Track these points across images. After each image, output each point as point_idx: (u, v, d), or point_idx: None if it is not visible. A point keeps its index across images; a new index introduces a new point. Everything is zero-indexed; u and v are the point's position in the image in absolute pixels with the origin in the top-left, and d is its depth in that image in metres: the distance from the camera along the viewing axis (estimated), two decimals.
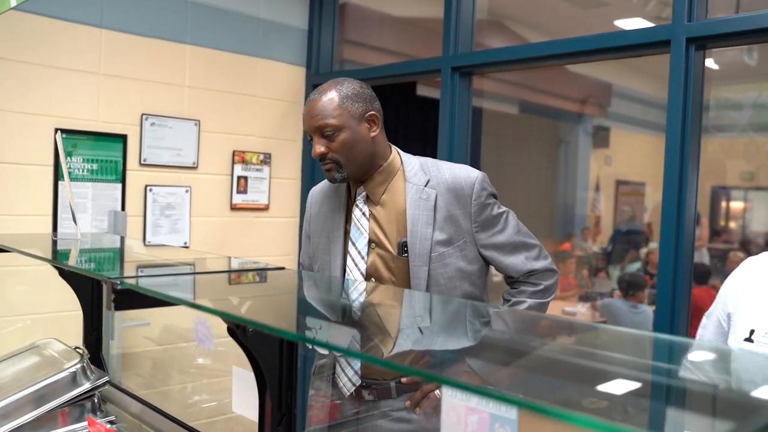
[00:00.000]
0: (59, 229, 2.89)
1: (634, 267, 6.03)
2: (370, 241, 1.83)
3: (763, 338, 1.31)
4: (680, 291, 2.38)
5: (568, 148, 7.11)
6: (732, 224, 7.98)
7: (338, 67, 3.81)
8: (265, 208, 3.62)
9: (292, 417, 1.54)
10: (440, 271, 1.78)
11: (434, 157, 3.05)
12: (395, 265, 1.80)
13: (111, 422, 1.83)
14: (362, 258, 1.82)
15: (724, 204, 7.98)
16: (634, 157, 7.60)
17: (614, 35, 2.57)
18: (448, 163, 1.89)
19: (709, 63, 5.42)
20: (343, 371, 1.87)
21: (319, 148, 1.76)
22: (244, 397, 1.63)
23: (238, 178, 3.51)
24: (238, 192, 3.51)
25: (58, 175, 2.93)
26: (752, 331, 1.34)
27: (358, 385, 1.86)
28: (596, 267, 6.50)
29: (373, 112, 1.80)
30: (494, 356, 1.11)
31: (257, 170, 3.58)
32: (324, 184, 2.01)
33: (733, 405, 0.68)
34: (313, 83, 3.71)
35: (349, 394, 1.88)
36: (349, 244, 1.86)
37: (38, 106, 2.87)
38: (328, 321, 1.35)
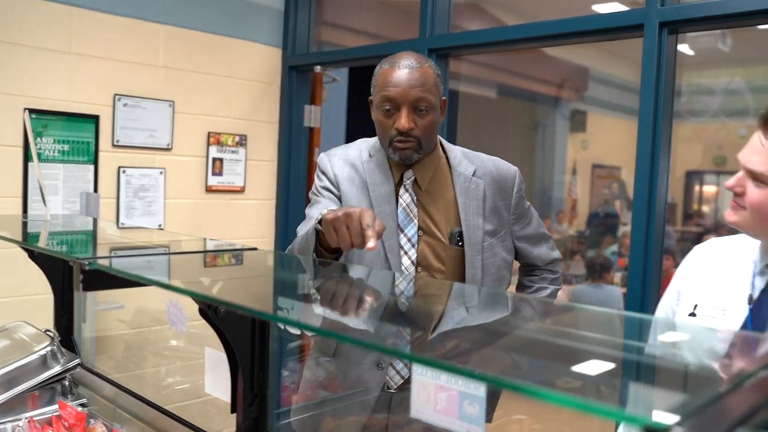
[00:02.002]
0: (29, 211, 2.85)
1: (610, 250, 6.11)
2: (419, 228, 1.76)
3: (706, 312, 1.41)
4: (651, 272, 2.42)
5: (545, 131, 7.16)
6: (705, 208, 8.11)
7: (315, 49, 3.79)
8: (241, 190, 3.60)
9: (265, 397, 1.55)
10: (491, 260, 1.78)
11: None
12: (446, 254, 1.76)
13: (83, 405, 1.82)
14: (412, 245, 1.76)
15: (697, 188, 8.10)
16: (610, 141, 7.67)
17: (588, 18, 2.59)
18: (484, 154, 1.88)
19: (684, 48, 5.47)
20: (392, 364, 1.78)
21: (410, 122, 1.65)
22: (216, 379, 1.62)
23: (214, 159, 3.48)
24: (214, 174, 3.49)
25: (27, 156, 2.88)
26: (695, 306, 1.43)
27: (406, 378, 1.77)
28: (572, 250, 6.58)
29: (445, 98, 1.77)
30: (469, 335, 1.12)
31: (233, 152, 3.55)
32: (344, 152, 1.86)
33: (680, 376, 0.70)
34: (289, 64, 3.68)
35: (396, 387, 1.79)
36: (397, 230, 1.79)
37: (7, 86, 2.81)
38: (299, 301, 1.35)
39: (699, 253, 1.54)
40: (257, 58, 3.63)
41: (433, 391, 1.29)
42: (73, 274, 2.11)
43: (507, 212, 1.82)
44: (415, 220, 1.75)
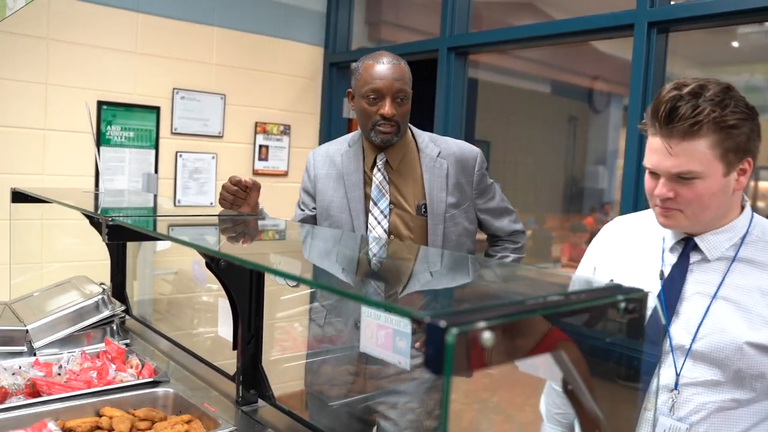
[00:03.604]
0: (100, 186, 3.33)
1: None
2: (390, 203, 2.04)
3: None
4: None
5: (599, 124, 7.22)
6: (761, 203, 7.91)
7: (375, 46, 4.12)
8: (285, 174, 3.99)
9: (260, 337, 1.88)
10: (452, 229, 2.05)
11: (431, 129, 3.35)
12: (414, 224, 2.04)
13: (127, 344, 2.20)
14: (384, 217, 2.03)
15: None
16: None
17: (582, 20, 2.78)
18: (450, 138, 2.17)
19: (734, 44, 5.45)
20: None
21: (392, 109, 1.93)
22: (226, 323, 1.96)
23: (260, 146, 3.88)
24: (260, 159, 3.89)
25: (99, 142, 3.35)
26: (611, 280, 1.48)
27: None
28: None
29: (411, 90, 2.05)
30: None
31: (277, 140, 3.94)
32: (327, 149, 2.18)
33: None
34: (330, 61, 4.03)
35: None
36: (371, 204, 2.05)
37: (81, 81, 3.29)
38: (287, 257, 1.65)
39: (610, 230, 1.64)
40: (300, 56, 4.00)
41: (375, 330, 1.59)
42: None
43: (470, 188, 2.08)
44: (387, 195, 2.04)
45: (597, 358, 0.96)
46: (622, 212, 2.65)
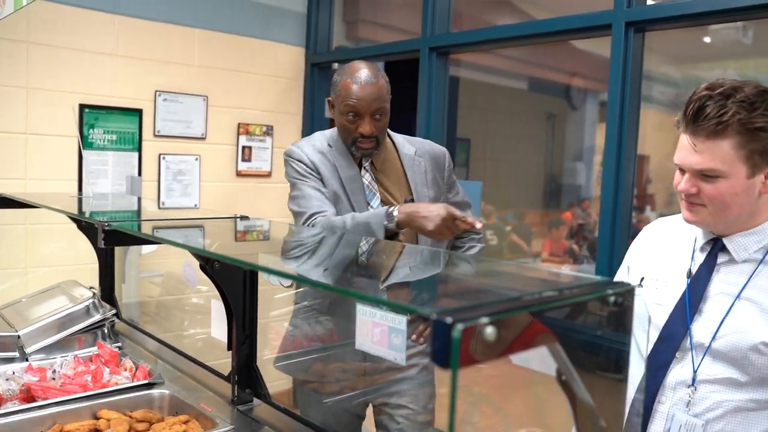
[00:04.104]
0: (84, 190, 3.32)
1: None
2: (381, 201, 2.12)
3: (650, 283, 1.55)
4: (617, 247, 2.68)
5: (576, 120, 7.32)
6: None
7: (353, 44, 4.15)
8: (268, 174, 4.01)
9: (254, 337, 1.91)
10: None
11: (413, 128, 3.40)
12: None
13: (119, 347, 2.22)
14: None
15: None
16: (640, 131, 7.71)
17: (561, 19, 2.84)
18: (419, 138, 2.30)
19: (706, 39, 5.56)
20: None
21: (371, 128, 2.01)
22: (219, 324, 1.99)
23: (243, 147, 3.89)
24: (243, 160, 3.90)
25: (81, 145, 3.35)
26: (642, 279, 1.57)
27: None
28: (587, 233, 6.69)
29: (391, 96, 2.10)
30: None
31: (260, 141, 3.96)
32: (310, 142, 2.16)
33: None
34: (311, 62, 4.05)
35: None
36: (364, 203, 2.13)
37: (63, 84, 3.27)
38: (278, 257, 1.68)
39: (648, 231, 1.67)
40: (282, 57, 4.02)
41: (371, 327, 1.63)
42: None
43: (442, 182, 2.22)
44: (378, 194, 2.13)
45: (587, 349, 1.01)
46: (602, 208, 2.72)
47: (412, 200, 2.11)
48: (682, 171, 1.39)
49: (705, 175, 1.34)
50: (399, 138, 2.22)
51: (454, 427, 0.74)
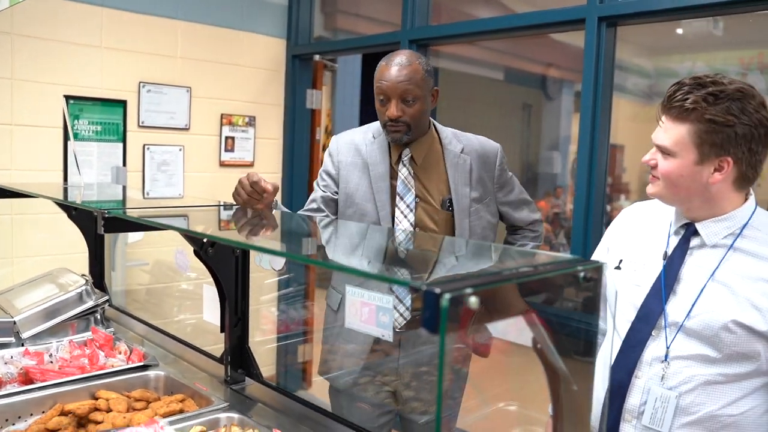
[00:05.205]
0: (69, 180, 3.36)
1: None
2: (416, 197, 2.08)
3: (628, 265, 1.63)
4: (591, 234, 2.80)
5: (551, 110, 7.46)
6: None
7: (331, 36, 4.22)
8: (251, 164, 4.07)
9: (246, 320, 1.99)
10: (476, 223, 2.12)
11: None
12: (438, 218, 2.09)
13: (113, 333, 2.28)
14: (411, 211, 2.08)
15: None
16: (614, 121, 7.87)
17: (536, 14, 2.95)
18: (471, 134, 2.22)
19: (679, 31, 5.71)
20: (395, 308, 2.08)
21: (397, 111, 1.97)
22: (211, 308, 2.06)
23: (226, 138, 3.95)
24: (226, 150, 3.96)
25: (66, 136, 3.38)
26: (621, 261, 1.65)
27: (408, 319, 2.09)
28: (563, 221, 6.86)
29: (437, 88, 2.07)
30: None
31: (243, 131, 4.02)
32: (352, 136, 2.18)
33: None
34: (293, 54, 4.11)
35: (400, 327, 2.09)
36: (397, 198, 2.08)
37: (47, 76, 3.31)
38: (267, 238, 1.74)
39: (627, 214, 1.77)
40: (264, 49, 4.08)
41: (359, 306, 1.72)
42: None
43: (491, 182, 2.16)
44: (413, 190, 2.08)
45: (561, 323, 1.11)
46: (576, 196, 2.83)
47: (450, 200, 2.08)
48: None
49: (662, 152, 1.46)
50: (448, 133, 2.16)
51: (442, 384, 0.83)
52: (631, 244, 1.66)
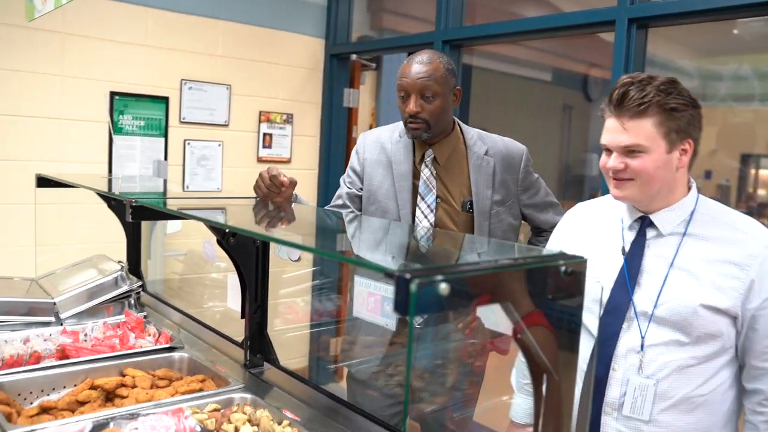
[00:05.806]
0: (113, 172, 3.52)
1: None
2: (437, 197, 2.10)
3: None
4: None
5: (592, 110, 7.37)
6: (761, 191, 8.05)
7: (376, 35, 4.29)
8: (288, 161, 4.19)
9: (266, 307, 2.08)
10: (497, 225, 2.12)
11: None
12: (459, 219, 2.10)
13: (145, 316, 2.40)
14: (431, 211, 2.09)
15: (752, 171, 8.05)
16: None
17: (566, 15, 2.96)
18: (498, 135, 2.21)
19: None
20: None
21: (416, 107, 1.98)
22: (234, 296, 2.15)
23: (264, 134, 4.08)
24: (264, 147, 4.08)
25: (111, 130, 3.55)
26: None
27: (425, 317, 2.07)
28: None
29: (459, 87, 2.08)
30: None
31: (280, 128, 4.13)
32: (379, 134, 2.21)
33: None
34: (331, 53, 4.21)
35: (418, 324, 2.09)
36: (418, 198, 2.09)
37: (95, 73, 3.48)
38: (289, 231, 1.81)
39: (571, 215, 1.83)
40: (302, 48, 4.19)
41: (366, 296, 1.79)
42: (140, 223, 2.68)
43: (515, 185, 2.15)
44: (434, 190, 2.10)
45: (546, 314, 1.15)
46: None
47: (471, 202, 2.09)
48: (609, 152, 1.54)
49: (631, 151, 1.50)
50: (473, 134, 2.15)
51: (411, 362, 0.89)
52: (584, 243, 1.71)
